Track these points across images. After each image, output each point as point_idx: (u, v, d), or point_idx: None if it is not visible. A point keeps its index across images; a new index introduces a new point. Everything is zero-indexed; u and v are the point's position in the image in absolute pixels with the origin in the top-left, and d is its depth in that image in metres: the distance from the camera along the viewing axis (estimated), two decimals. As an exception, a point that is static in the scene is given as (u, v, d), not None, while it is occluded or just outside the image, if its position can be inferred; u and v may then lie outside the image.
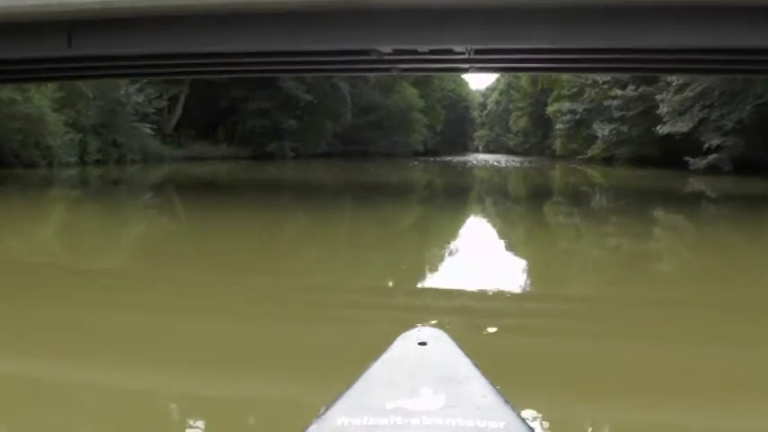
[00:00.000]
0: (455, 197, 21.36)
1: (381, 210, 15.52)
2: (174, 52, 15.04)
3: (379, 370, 1.54)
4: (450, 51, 15.37)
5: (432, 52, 15.55)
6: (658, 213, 16.65)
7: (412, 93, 67.58)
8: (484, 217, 16.05)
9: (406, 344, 1.65)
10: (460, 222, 14.26)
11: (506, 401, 1.41)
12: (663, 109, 33.42)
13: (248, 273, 7.71)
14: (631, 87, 38.74)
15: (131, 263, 8.87)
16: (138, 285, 7.01)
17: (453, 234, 12.21)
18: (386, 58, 16.00)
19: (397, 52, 15.59)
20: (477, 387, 1.46)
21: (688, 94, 31.50)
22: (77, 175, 27.59)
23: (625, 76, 39.92)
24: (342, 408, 1.39)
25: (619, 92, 39.69)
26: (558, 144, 61.30)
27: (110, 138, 34.20)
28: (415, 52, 15.51)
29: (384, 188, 24.17)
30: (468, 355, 1.59)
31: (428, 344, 1.62)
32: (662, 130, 33.38)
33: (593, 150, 47.43)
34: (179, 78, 34.15)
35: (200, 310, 5.74)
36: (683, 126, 31.32)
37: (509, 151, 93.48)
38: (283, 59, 17.13)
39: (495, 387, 1.46)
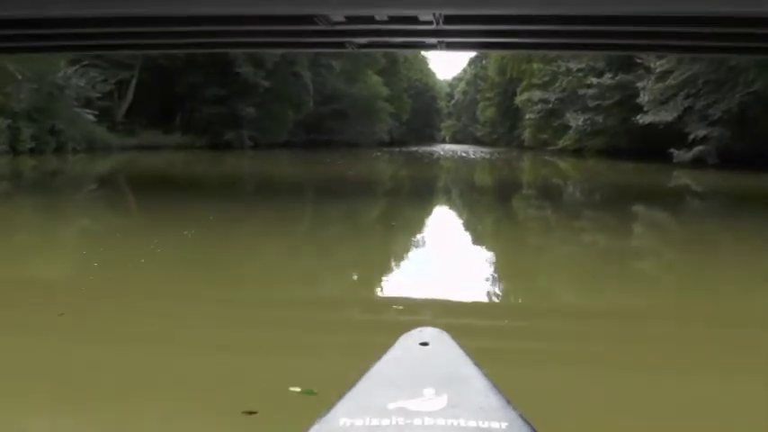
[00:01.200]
0: (423, 194, 18.37)
1: (345, 211, 12.80)
2: (68, 16, 12.10)
3: (381, 370, 1.52)
4: (414, 20, 12.59)
5: (392, 20, 12.72)
6: (653, 215, 14.30)
7: (377, 81, 64.90)
8: (455, 217, 13.38)
9: (407, 344, 1.63)
10: (430, 224, 11.73)
11: (508, 402, 1.40)
12: (644, 97, 30.84)
13: (203, 283, 6.13)
14: (608, 75, 36.18)
15: (63, 273, 6.95)
16: (68, 303, 5.16)
17: (424, 238, 9.84)
18: (337, 28, 13.19)
19: (350, 20, 12.77)
20: (480, 387, 1.44)
21: (671, 81, 28.99)
22: (6, 165, 24.54)
23: (601, 64, 37.61)
24: (344, 408, 1.37)
25: (595, 80, 37.11)
26: (527, 134, 58.88)
27: (46, 124, 30.77)
28: (371, 20, 12.66)
29: (348, 184, 21.16)
30: (469, 355, 1.57)
31: (430, 344, 1.61)
32: (643, 119, 30.79)
33: (565, 141, 45.05)
34: (99, 53, 30.27)
35: (139, 338, 4.41)
36: (666, 115, 28.77)
37: (476, 142, 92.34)
38: (218, 29, 14.21)
39: (497, 388, 1.44)
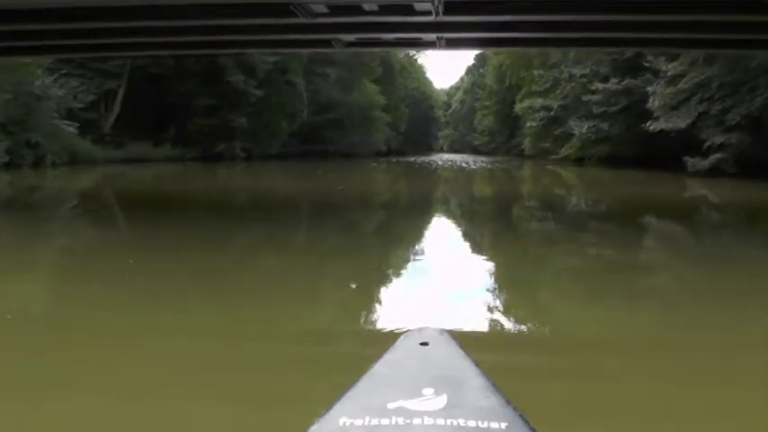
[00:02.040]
0: (419, 214, 16.25)
1: (325, 239, 10.88)
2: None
3: (381, 370, 1.51)
4: (409, 9, 10.61)
5: (384, 11, 10.75)
6: (669, 233, 12.41)
7: (373, 90, 62.93)
8: (457, 243, 11.14)
9: (407, 344, 1.62)
10: (426, 256, 9.53)
11: (508, 402, 1.39)
12: (654, 103, 28.65)
13: (191, 315, 5.37)
14: (614, 80, 34.03)
15: (28, 306, 5.91)
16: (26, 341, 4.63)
17: (418, 281, 7.64)
18: (320, 21, 11.19)
19: (333, 11, 10.80)
20: (479, 387, 1.43)
21: (683, 85, 26.94)
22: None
23: (606, 69, 35.75)
24: (344, 408, 1.35)
25: (600, 85, 34.90)
26: (527, 143, 56.82)
27: (23, 137, 28.76)
28: (359, 11, 10.67)
29: (336, 202, 19.05)
30: (469, 355, 1.56)
31: (430, 344, 1.60)
32: (653, 126, 28.60)
33: (568, 149, 42.87)
34: (72, 56, 27.83)
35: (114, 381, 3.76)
36: (679, 121, 26.61)
37: (474, 151, 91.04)
38: (183, 24, 12.22)
39: (497, 387, 1.42)
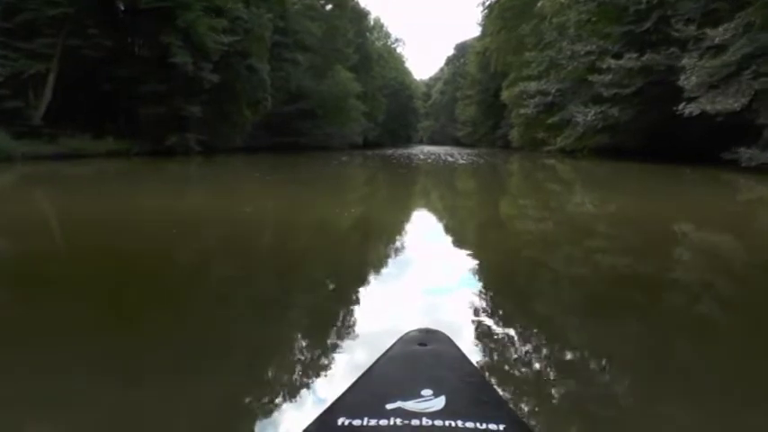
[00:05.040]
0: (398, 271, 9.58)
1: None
2: None
3: (379, 370, 1.47)
4: None
5: None
6: None
7: (348, 77, 56.03)
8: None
9: (407, 344, 1.57)
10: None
11: (506, 403, 1.36)
12: (690, 79, 21.59)
13: None
14: (631, 56, 26.95)
15: None
16: None
17: None
18: None
19: None
20: (478, 388, 1.40)
21: (729, 58, 20.19)
22: None
23: (616, 45, 29.03)
24: (342, 408, 1.32)
25: (613, 62, 27.65)
26: (514, 133, 50.05)
27: None
28: None
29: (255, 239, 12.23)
30: (468, 356, 1.51)
31: (429, 345, 1.56)
32: (688, 109, 21.67)
33: (565, 139, 35.95)
34: None
35: None
36: (730, 102, 19.69)
37: (456, 142, 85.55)
38: None
39: (494, 388, 1.38)
